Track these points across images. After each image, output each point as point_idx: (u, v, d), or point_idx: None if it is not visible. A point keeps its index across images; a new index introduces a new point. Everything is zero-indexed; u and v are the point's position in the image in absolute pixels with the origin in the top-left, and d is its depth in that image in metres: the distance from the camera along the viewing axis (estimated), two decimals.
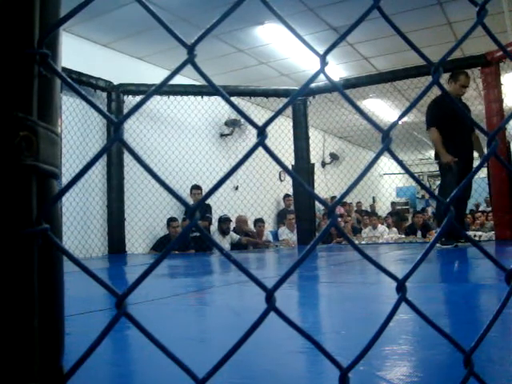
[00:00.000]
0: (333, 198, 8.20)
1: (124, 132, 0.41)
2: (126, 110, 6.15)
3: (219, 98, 0.50)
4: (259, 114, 6.79)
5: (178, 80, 2.84)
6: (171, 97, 6.13)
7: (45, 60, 0.42)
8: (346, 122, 7.75)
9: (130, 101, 6.01)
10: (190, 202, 5.45)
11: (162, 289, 2.39)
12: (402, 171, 6.11)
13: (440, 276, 2.70)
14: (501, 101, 5.13)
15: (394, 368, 0.91)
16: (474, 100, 6.83)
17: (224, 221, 6.77)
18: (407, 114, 0.58)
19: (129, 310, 0.41)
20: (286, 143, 6.45)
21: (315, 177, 6.53)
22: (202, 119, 6.87)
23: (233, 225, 7.18)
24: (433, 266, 2.99)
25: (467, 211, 7.06)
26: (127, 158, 5.88)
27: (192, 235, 6.03)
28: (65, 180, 4.16)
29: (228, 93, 0.47)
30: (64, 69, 3.46)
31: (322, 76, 0.51)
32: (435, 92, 3.88)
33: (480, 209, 10.58)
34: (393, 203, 12.51)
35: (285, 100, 4.77)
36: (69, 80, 0.43)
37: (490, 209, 7.34)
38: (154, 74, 6.66)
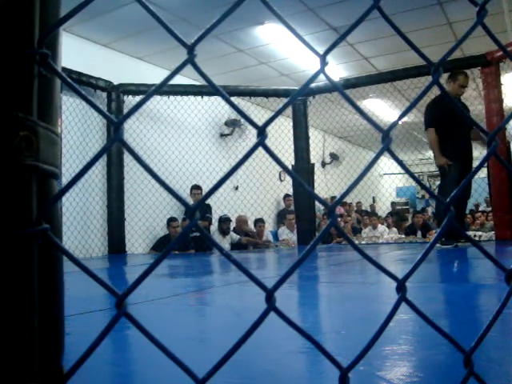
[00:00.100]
0: (333, 198, 8.20)
1: (124, 132, 0.41)
2: (125, 110, 6.15)
3: (219, 98, 0.50)
4: (259, 114, 6.79)
5: (178, 80, 2.84)
6: (171, 97, 6.13)
7: (45, 60, 0.42)
8: (346, 122, 7.75)
9: (130, 101, 6.01)
10: (190, 202, 5.45)
11: (161, 289, 2.39)
12: (402, 171, 6.11)
13: (440, 276, 2.70)
14: (501, 101, 5.13)
15: (394, 368, 0.91)
16: (473, 100, 6.84)
17: (224, 221, 6.77)
18: (407, 114, 0.58)
19: (129, 310, 0.41)
20: (286, 143, 6.45)
21: (315, 177, 6.53)
22: (202, 119, 6.87)
23: (233, 225, 7.18)
24: (433, 266, 2.99)
25: (467, 211, 7.06)
26: (127, 158, 5.88)
27: (192, 235, 6.03)
28: (65, 180, 4.16)
29: (228, 93, 0.47)
30: (64, 69, 3.46)
31: (322, 76, 0.51)
32: (435, 92, 3.88)
33: (480, 209, 10.59)
34: (393, 203, 12.51)
35: (285, 100, 4.77)
36: (69, 80, 0.43)
37: (490, 209, 7.34)
38: (154, 74, 6.66)
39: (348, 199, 9.87)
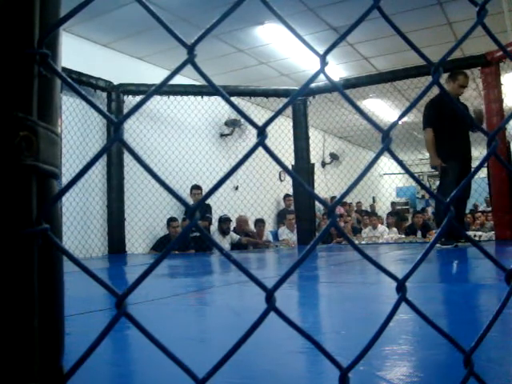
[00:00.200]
0: (333, 198, 8.20)
1: (124, 132, 0.41)
2: (125, 110, 6.15)
3: (219, 98, 0.50)
4: (259, 114, 6.79)
5: (178, 80, 2.84)
6: (171, 97, 6.13)
7: (45, 60, 0.42)
8: (346, 122, 7.75)
9: (130, 101, 6.01)
10: (190, 201, 5.45)
11: (162, 289, 2.38)
12: (402, 171, 6.10)
13: (440, 276, 2.70)
14: (501, 101, 5.13)
15: (394, 368, 0.91)
16: (473, 100, 6.84)
17: (224, 221, 6.77)
18: (407, 114, 0.58)
19: (129, 310, 0.41)
20: (286, 143, 6.45)
21: (315, 177, 6.53)
22: (202, 119, 6.87)
23: (233, 225, 7.18)
24: (433, 266, 2.99)
25: (467, 211, 7.06)
26: (127, 158, 5.88)
27: (192, 235, 6.03)
28: (65, 180, 4.16)
29: (228, 93, 0.47)
30: (64, 69, 3.46)
31: (322, 76, 0.51)
32: (435, 92, 3.88)
33: (480, 209, 10.58)
34: (393, 203, 12.51)
35: (285, 100, 4.77)
36: (69, 80, 0.43)
37: (489, 209, 7.33)
38: (154, 74, 6.66)
39: (348, 199, 9.87)
